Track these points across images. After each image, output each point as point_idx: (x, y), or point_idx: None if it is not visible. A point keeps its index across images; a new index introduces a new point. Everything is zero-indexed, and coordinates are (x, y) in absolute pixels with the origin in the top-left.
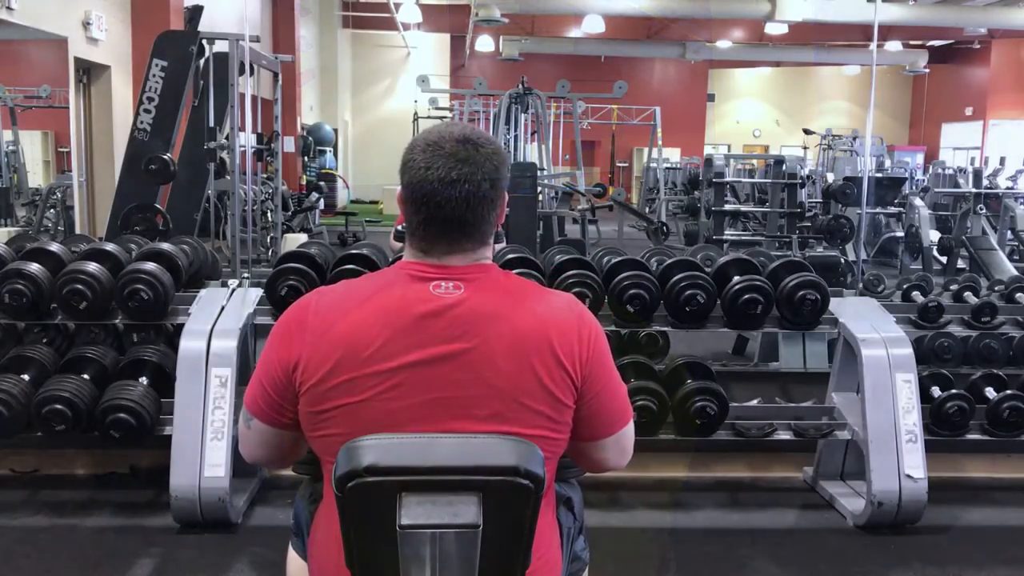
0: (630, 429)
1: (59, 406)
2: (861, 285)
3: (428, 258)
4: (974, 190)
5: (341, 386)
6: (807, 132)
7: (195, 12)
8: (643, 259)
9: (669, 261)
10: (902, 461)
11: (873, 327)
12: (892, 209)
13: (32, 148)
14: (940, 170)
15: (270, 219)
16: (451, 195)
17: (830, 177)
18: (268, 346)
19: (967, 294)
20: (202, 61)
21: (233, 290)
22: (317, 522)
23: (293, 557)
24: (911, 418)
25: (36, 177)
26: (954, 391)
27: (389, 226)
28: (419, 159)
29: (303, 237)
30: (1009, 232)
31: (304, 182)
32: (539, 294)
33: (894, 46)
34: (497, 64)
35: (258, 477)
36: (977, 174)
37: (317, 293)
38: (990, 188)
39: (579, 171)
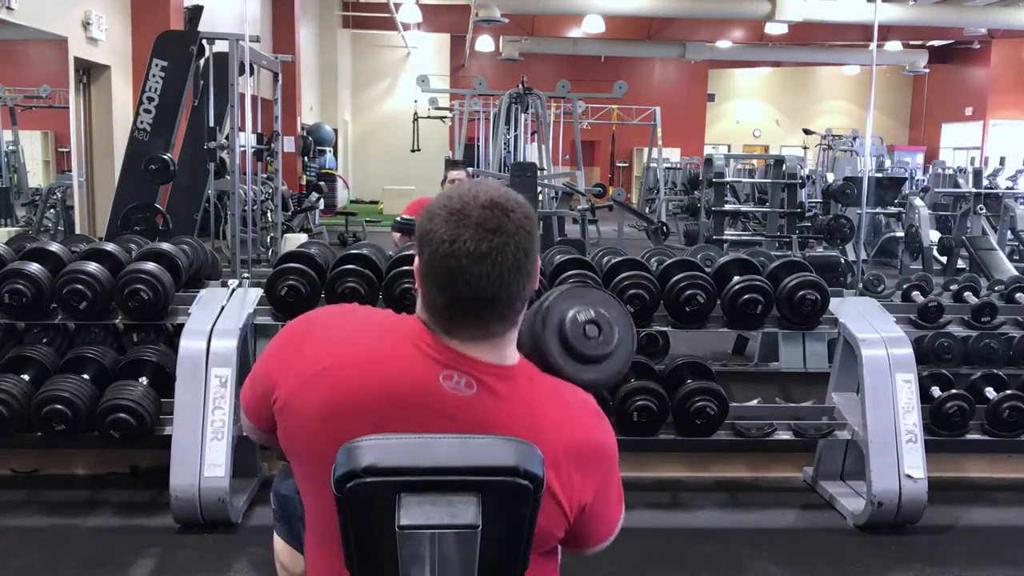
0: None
1: (59, 406)
2: (861, 285)
3: (449, 339)
4: (974, 190)
5: (311, 452)
6: (807, 132)
7: (195, 12)
8: (643, 259)
9: (669, 261)
10: (902, 461)
11: (873, 327)
12: (892, 209)
13: (32, 148)
14: (940, 170)
15: (270, 219)
16: (482, 272)
17: (830, 177)
18: (268, 350)
19: (967, 294)
20: (202, 61)
21: (233, 290)
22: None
23: (280, 543)
24: (911, 418)
25: (36, 177)
26: (954, 391)
27: (389, 226)
28: (441, 230)
29: (303, 237)
30: (1009, 232)
31: (304, 182)
32: (557, 412)
33: (894, 46)
34: (497, 64)
35: (258, 477)
36: (977, 174)
37: (328, 316)
38: (990, 188)
39: (579, 171)
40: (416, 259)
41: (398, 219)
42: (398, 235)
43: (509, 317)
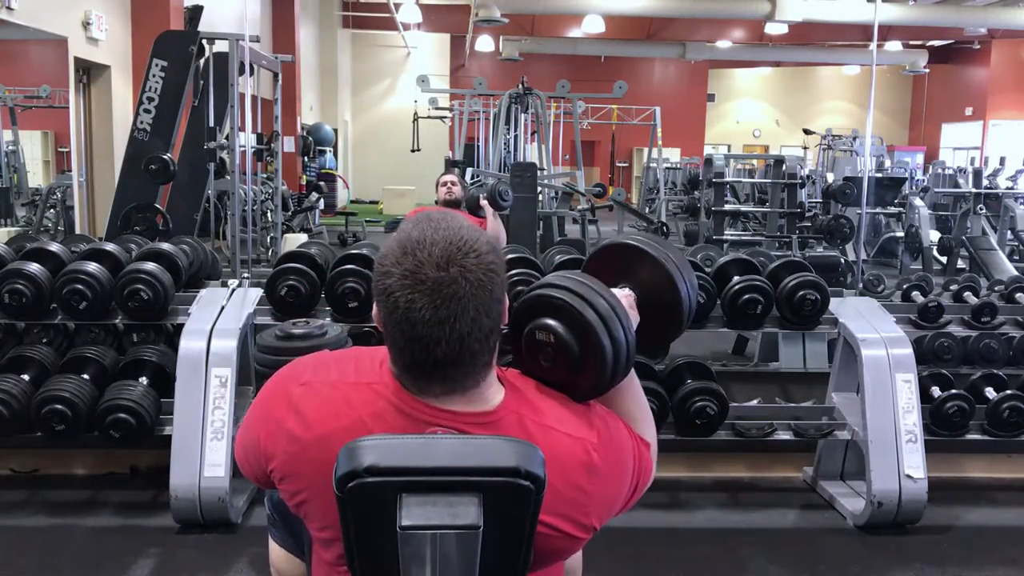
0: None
1: (59, 406)
2: (861, 285)
3: (423, 396)
4: (974, 190)
5: (324, 518)
6: (807, 132)
7: (195, 12)
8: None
9: None
10: (902, 461)
11: (873, 327)
12: (892, 209)
13: (32, 148)
14: (940, 170)
15: (270, 219)
16: (440, 337)
17: (830, 177)
18: (252, 416)
19: (967, 294)
20: (202, 61)
21: (233, 290)
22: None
23: (276, 549)
24: (911, 418)
25: (36, 177)
26: (954, 391)
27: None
28: (396, 291)
29: (303, 237)
30: (1009, 232)
31: (304, 182)
32: (550, 441)
33: (894, 46)
34: (497, 64)
35: None
36: (977, 174)
37: (299, 386)
38: (990, 188)
39: (579, 171)
40: (375, 306)
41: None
42: None
43: (477, 371)
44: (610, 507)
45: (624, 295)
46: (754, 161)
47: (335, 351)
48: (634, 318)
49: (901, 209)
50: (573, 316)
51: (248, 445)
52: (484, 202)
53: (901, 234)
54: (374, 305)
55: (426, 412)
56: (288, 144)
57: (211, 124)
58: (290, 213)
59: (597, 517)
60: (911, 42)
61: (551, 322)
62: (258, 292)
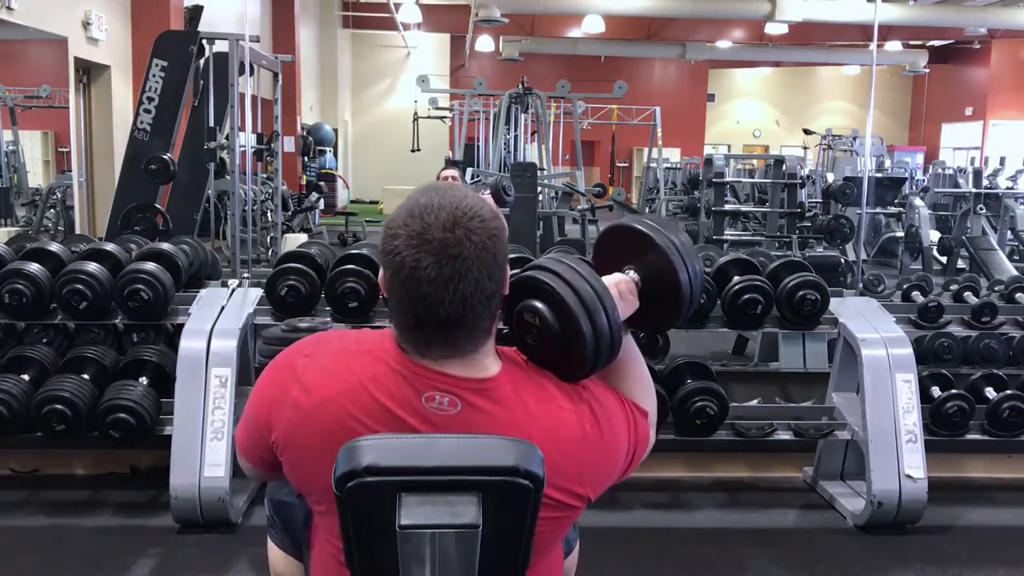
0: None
1: (59, 406)
2: (861, 285)
3: (423, 360)
4: (974, 190)
5: (324, 488)
6: (807, 132)
7: (195, 12)
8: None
9: None
10: (902, 461)
11: (873, 327)
12: (892, 209)
13: (32, 148)
14: (940, 170)
15: (270, 219)
16: (444, 296)
17: (830, 177)
18: (255, 393)
19: (967, 294)
20: (202, 61)
21: (233, 290)
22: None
23: (275, 551)
24: (911, 418)
25: (36, 177)
26: (954, 391)
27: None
28: (403, 250)
29: (303, 237)
30: (1009, 232)
31: (304, 182)
32: (545, 419)
33: (894, 46)
34: (497, 64)
35: None
36: (977, 174)
37: (308, 348)
38: (990, 188)
39: (579, 171)
40: (381, 271)
41: None
42: None
43: (477, 336)
44: (605, 476)
45: (625, 280)
46: (754, 161)
47: (339, 330)
48: (630, 304)
49: (901, 209)
50: (557, 301)
51: (251, 421)
52: (487, 196)
53: (901, 234)
54: (380, 270)
55: (424, 374)
56: (288, 144)
57: (211, 124)
58: (290, 213)
59: (591, 487)
60: (911, 42)
61: (537, 304)
62: (258, 292)
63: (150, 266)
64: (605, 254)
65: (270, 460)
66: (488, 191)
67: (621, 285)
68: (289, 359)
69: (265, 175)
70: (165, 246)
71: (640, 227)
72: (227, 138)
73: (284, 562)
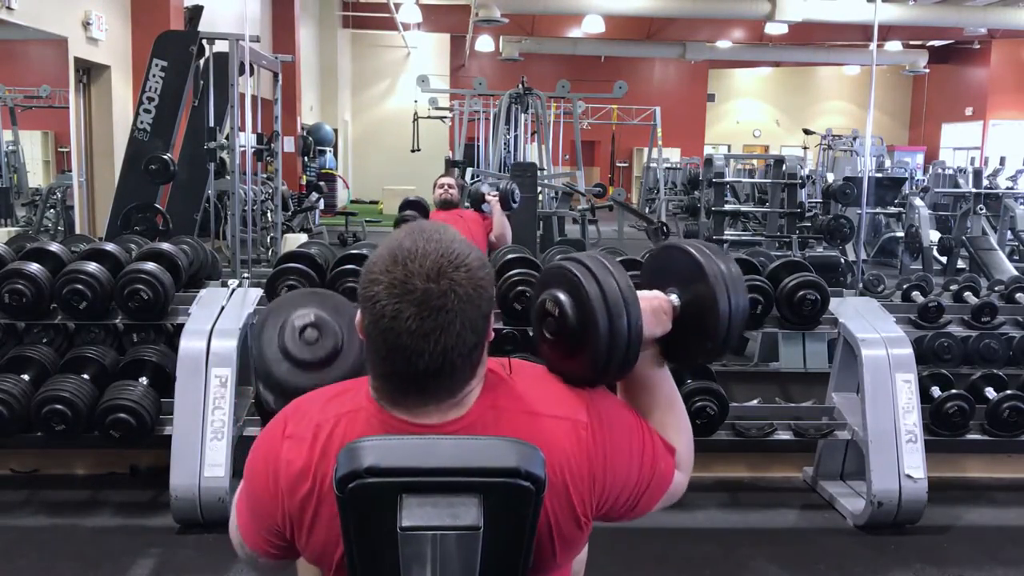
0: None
1: (59, 406)
2: (861, 285)
3: (396, 410)
4: (974, 190)
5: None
6: (807, 132)
7: (195, 12)
8: (643, 259)
9: None
10: (902, 461)
11: (873, 327)
12: (892, 209)
13: (32, 148)
14: (940, 170)
15: (270, 219)
16: (424, 349)
17: (830, 177)
18: (248, 486)
19: (967, 294)
20: (202, 61)
21: (233, 290)
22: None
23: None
24: (911, 418)
25: (36, 177)
26: (954, 391)
27: (389, 226)
28: (383, 299)
29: (303, 237)
30: (1009, 232)
31: (304, 182)
32: (529, 428)
33: (894, 46)
34: (497, 64)
35: None
36: (977, 174)
37: (284, 422)
38: (990, 188)
39: (579, 171)
40: (359, 313)
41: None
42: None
43: (455, 385)
44: (606, 492)
45: (663, 298)
46: (754, 161)
47: (312, 394)
48: (660, 324)
49: (901, 209)
50: (579, 290)
51: (257, 514)
52: (492, 199)
53: (901, 234)
54: (358, 312)
55: (401, 426)
56: (288, 144)
57: (211, 124)
58: (290, 213)
59: (590, 504)
60: (911, 42)
61: (559, 294)
62: (258, 292)
63: (150, 266)
64: (652, 275)
65: (282, 548)
66: (495, 195)
67: (655, 301)
68: (272, 439)
69: (265, 175)
70: (165, 246)
71: (690, 249)
72: (227, 138)
73: (304, 565)
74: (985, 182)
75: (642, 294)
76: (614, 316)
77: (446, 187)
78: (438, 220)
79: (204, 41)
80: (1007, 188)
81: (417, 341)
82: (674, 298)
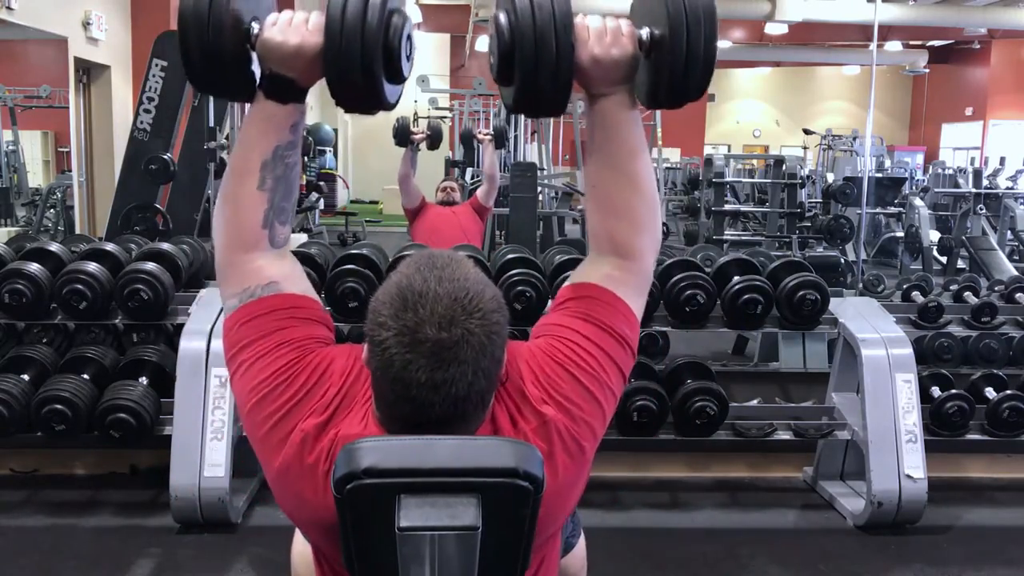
0: None
1: (59, 406)
2: (861, 285)
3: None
4: (974, 190)
5: None
6: (807, 132)
7: None
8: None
9: (669, 261)
10: (902, 461)
11: (873, 327)
12: (892, 209)
13: (32, 148)
14: (940, 170)
15: None
16: (434, 399)
17: (830, 177)
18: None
19: (967, 294)
20: None
21: None
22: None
23: (301, 546)
24: (911, 418)
25: (36, 177)
26: (954, 391)
27: (389, 226)
28: (392, 348)
29: (303, 237)
30: (1009, 232)
31: (304, 182)
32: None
33: (894, 46)
34: None
35: (258, 477)
36: (977, 174)
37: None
38: (990, 188)
39: (579, 171)
40: (365, 348)
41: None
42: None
43: (468, 428)
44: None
45: (618, 21)
46: (754, 161)
47: None
48: (618, 45)
49: (901, 209)
50: (513, 5)
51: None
52: (485, 137)
53: (901, 234)
54: (365, 347)
55: None
56: None
57: (211, 124)
58: None
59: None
60: (911, 42)
61: (500, 14)
62: None
63: (150, 266)
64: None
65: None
66: (489, 133)
67: (609, 21)
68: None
69: None
70: (165, 246)
71: None
72: (227, 138)
73: (307, 565)
74: (985, 182)
75: (593, 17)
76: (541, 24)
77: (448, 190)
78: (434, 213)
79: None
80: (1007, 188)
81: (428, 393)
82: (645, 31)
